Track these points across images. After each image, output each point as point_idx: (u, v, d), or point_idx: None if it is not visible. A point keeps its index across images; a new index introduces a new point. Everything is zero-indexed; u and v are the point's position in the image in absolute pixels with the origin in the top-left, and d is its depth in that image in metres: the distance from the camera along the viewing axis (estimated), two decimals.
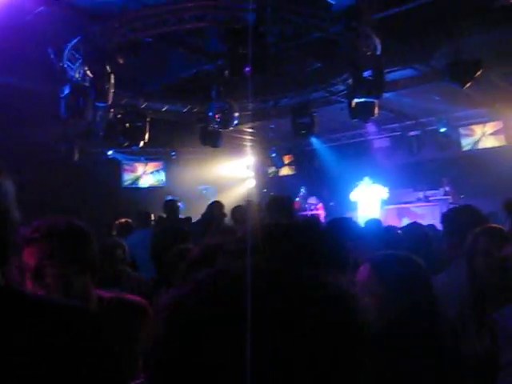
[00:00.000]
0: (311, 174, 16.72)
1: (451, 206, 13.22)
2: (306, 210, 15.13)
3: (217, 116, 10.81)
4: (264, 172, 18.15)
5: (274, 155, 17.08)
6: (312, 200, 15.43)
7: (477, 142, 14.58)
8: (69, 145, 13.33)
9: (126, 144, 12.36)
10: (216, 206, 7.11)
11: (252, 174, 18.32)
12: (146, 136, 11.78)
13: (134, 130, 11.76)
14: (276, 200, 5.46)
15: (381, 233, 4.89)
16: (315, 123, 11.60)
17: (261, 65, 8.75)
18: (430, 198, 14.60)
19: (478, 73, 8.82)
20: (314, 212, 14.96)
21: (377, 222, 5.66)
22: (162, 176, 17.15)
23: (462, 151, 14.82)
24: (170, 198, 9.28)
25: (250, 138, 16.76)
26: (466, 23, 8.56)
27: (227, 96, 10.94)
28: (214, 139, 12.42)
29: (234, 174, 18.11)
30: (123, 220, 7.57)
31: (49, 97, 10.35)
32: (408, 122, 15.04)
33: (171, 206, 7.63)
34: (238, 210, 6.82)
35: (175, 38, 9.30)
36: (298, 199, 14.86)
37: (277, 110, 12.96)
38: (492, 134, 14.26)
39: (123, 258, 4.44)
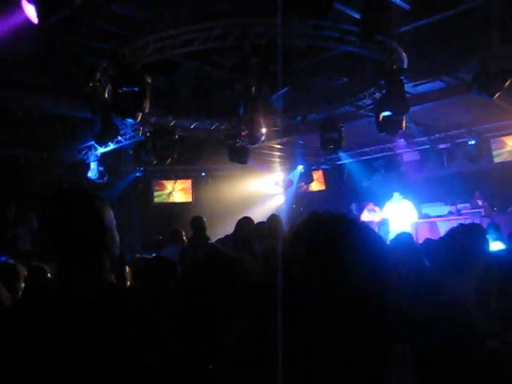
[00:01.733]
0: (341, 188, 16.65)
1: (484, 219, 13.05)
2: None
3: (244, 132, 10.85)
4: (294, 188, 18.12)
5: (303, 171, 17.05)
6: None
7: (509, 153, 14.34)
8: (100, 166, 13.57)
9: (155, 162, 12.50)
10: (246, 223, 7.13)
11: (281, 190, 18.31)
12: (175, 153, 11.90)
13: (163, 148, 11.88)
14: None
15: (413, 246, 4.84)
16: (343, 138, 11.59)
17: (288, 80, 8.86)
18: (462, 212, 14.38)
19: (507, 83, 8.71)
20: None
21: (407, 235, 5.57)
22: (190, 193, 17.24)
23: (494, 163, 14.58)
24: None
25: (278, 153, 16.80)
26: (492, 34, 8.48)
27: (254, 112, 10.99)
28: (241, 156, 12.49)
29: (263, 190, 18.13)
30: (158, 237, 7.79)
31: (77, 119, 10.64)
32: (437, 135, 14.88)
33: (198, 223, 7.75)
34: (259, 226, 6.87)
35: (203, 56, 9.42)
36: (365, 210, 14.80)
37: (305, 125, 12.98)
38: None
39: None
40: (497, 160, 14.55)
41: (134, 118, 8.79)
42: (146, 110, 8.76)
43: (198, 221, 8.18)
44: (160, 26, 8.31)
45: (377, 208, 14.83)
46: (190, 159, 15.69)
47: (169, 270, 3.74)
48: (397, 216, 13.57)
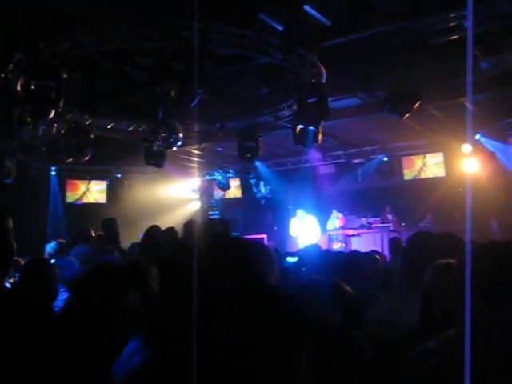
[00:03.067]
0: (257, 197, 16.78)
1: (392, 233, 13.53)
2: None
3: (161, 136, 10.74)
4: (210, 195, 18.09)
5: (220, 178, 17.04)
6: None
7: (418, 172, 14.96)
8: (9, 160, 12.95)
9: (68, 160, 12.12)
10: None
11: (197, 196, 18.23)
12: (89, 153, 11.60)
13: (77, 147, 11.55)
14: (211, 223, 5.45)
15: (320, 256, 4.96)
16: (260, 147, 11.68)
17: (209, 87, 8.85)
18: (373, 225, 14.86)
19: (417, 104, 9.11)
20: None
21: (316, 246, 5.70)
22: (105, 194, 16.83)
23: (404, 180, 15.17)
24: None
25: (196, 159, 16.72)
26: (406, 57, 8.84)
27: (173, 116, 10.91)
28: (158, 159, 12.31)
29: (179, 196, 17.99)
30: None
31: None
32: (352, 150, 15.32)
33: (110, 225, 7.55)
34: (168, 232, 6.76)
35: (124, 56, 9.25)
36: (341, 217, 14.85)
37: (223, 132, 13.01)
38: (432, 164, 14.66)
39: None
40: (407, 177, 15.15)
41: (47, 115, 8.49)
42: (60, 107, 8.48)
43: (109, 223, 7.98)
44: (80, 20, 8.10)
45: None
46: (106, 160, 15.35)
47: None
48: (303, 232, 13.84)
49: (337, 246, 13.64)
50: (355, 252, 5.42)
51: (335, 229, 14.71)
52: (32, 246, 7.65)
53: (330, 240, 14.39)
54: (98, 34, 8.16)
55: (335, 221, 14.84)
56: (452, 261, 2.88)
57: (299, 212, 14.11)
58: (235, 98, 11.05)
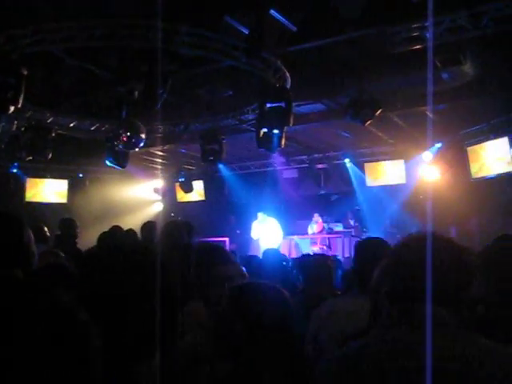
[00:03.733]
0: (220, 200, 16.75)
1: (354, 238, 13.68)
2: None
3: (124, 136, 10.62)
4: (172, 196, 17.97)
5: (183, 180, 16.93)
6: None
7: (380, 178, 15.15)
8: None
9: (28, 158, 11.92)
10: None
11: (160, 197, 18.10)
12: (50, 151, 11.42)
13: (38, 145, 11.36)
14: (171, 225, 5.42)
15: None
16: (224, 150, 11.66)
17: (173, 88, 8.80)
18: (335, 230, 15.01)
19: (378, 112, 9.23)
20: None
21: (275, 252, 5.71)
22: (66, 194, 16.55)
23: (367, 186, 15.34)
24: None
25: (160, 161, 16.62)
26: (370, 65, 8.96)
27: (137, 117, 10.82)
28: (120, 160, 12.17)
29: (142, 197, 17.84)
30: None
31: None
32: (315, 155, 15.43)
33: (67, 225, 7.45)
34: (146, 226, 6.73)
35: (87, 55, 9.13)
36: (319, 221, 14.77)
37: (188, 134, 12.96)
38: (394, 171, 14.87)
39: None
40: (369, 184, 15.32)
41: (5, 111, 8.32)
42: (19, 104, 8.31)
43: (67, 223, 7.87)
44: (42, 16, 7.96)
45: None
46: (67, 159, 15.12)
47: None
48: (265, 235, 13.88)
49: (315, 249, 13.67)
50: (306, 256, 5.48)
51: (313, 233, 14.79)
52: None
53: (297, 245, 14.47)
54: (61, 30, 8.03)
55: (313, 226, 14.93)
56: None
57: (260, 215, 14.14)
58: (200, 100, 11.01)
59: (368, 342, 1.72)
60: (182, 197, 17.74)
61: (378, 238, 3.84)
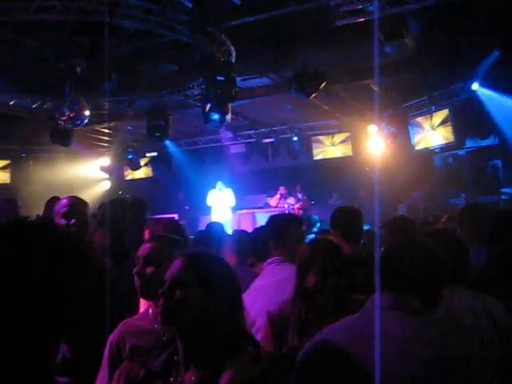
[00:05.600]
0: (168, 177, 16.63)
1: (301, 211, 13.85)
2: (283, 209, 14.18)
3: (68, 114, 10.38)
4: (120, 174, 17.73)
5: (130, 157, 16.70)
6: (290, 200, 14.44)
7: (326, 151, 15.34)
8: None
9: None
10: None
11: (107, 175, 17.83)
12: None
13: None
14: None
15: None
16: (170, 126, 11.55)
17: (116, 63, 8.63)
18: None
19: (322, 85, 9.30)
20: (291, 212, 13.63)
21: (218, 225, 5.74)
22: (8, 174, 16.11)
23: (313, 160, 15.51)
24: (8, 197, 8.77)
25: (106, 138, 16.34)
26: (314, 38, 9.01)
27: (80, 93, 10.58)
28: (64, 137, 11.90)
29: (88, 175, 17.51)
30: None
31: None
32: (263, 130, 15.47)
33: (9, 206, 7.25)
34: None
35: (28, 30, 8.82)
36: (277, 196, 14.28)
37: (133, 111, 12.77)
38: (340, 144, 15.08)
39: None
40: (316, 157, 15.49)
41: None
42: None
43: (9, 203, 7.68)
44: None
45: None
46: (9, 138, 14.70)
47: None
48: (219, 203, 13.92)
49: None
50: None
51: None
52: None
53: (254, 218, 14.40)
54: None
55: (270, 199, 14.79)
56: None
57: (219, 183, 14.10)
58: (144, 76, 10.84)
59: None
60: (129, 174, 17.54)
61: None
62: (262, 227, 4.05)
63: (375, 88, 10.80)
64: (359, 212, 4.08)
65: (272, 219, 3.77)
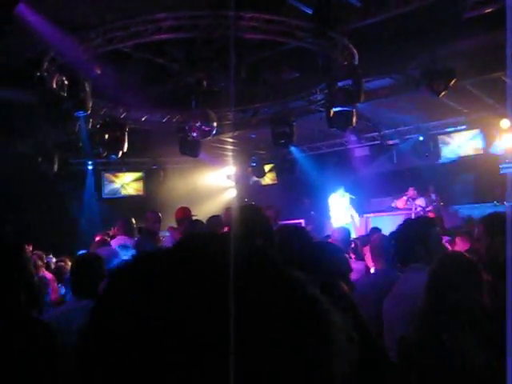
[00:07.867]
0: (292, 183, 16.73)
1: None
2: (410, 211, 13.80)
3: (196, 126, 10.78)
4: (245, 181, 18.12)
5: (254, 164, 17.03)
6: (420, 201, 13.86)
7: (456, 149, 14.70)
8: (48, 156, 13.19)
9: (105, 154, 12.31)
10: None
11: (233, 183, 18.29)
12: (125, 146, 11.75)
13: (113, 140, 11.71)
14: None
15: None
16: (294, 132, 11.63)
17: (237, 74, 8.83)
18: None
19: (452, 82, 8.93)
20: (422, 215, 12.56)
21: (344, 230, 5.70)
22: (141, 186, 17.03)
23: (442, 159, 14.91)
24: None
25: (231, 147, 16.77)
26: (439, 33, 8.68)
27: (206, 105, 10.95)
28: (193, 149, 12.40)
29: (215, 184, 18.08)
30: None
31: (28, 107, 10.31)
32: (386, 131, 15.13)
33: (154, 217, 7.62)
34: (212, 220, 6.76)
35: (154, 48, 9.30)
36: (404, 197, 14.02)
37: (257, 119, 13.00)
38: (470, 141, 14.39)
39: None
40: (445, 156, 14.87)
41: (85, 110, 8.64)
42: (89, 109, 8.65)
43: (154, 215, 7.99)
44: (110, 16, 8.17)
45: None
46: (141, 152, 15.51)
47: None
48: (340, 208, 13.84)
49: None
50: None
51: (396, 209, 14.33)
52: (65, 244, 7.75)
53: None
54: (129, 27, 8.21)
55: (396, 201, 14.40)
56: None
57: (340, 190, 14.04)
58: (267, 84, 11.01)
59: None
60: (255, 181, 17.87)
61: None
62: (399, 231, 3.93)
63: (509, 80, 10.19)
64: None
65: (412, 223, 3.67)
